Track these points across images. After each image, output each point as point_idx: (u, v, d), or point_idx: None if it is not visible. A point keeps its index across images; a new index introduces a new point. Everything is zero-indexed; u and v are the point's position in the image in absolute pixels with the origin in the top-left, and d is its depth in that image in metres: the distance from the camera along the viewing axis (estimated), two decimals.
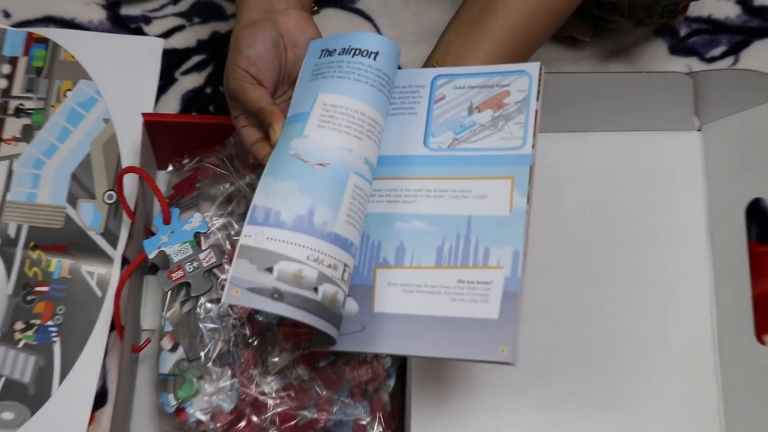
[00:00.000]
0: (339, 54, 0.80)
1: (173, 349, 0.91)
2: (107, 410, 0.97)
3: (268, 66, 0.81)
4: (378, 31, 1.11)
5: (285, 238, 0.74)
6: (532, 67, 0.79)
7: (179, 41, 1.11)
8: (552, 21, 0.86)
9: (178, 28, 1.11)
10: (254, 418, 0.88)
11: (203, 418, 0.89)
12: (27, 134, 1.06)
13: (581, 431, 0.90)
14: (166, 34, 1.11)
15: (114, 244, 1.02)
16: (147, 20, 1.11)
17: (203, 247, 0.92)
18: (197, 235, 0.93)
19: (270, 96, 0.81)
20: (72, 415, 0.96)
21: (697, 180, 0.98)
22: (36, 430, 0.96)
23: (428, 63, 0.86)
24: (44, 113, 1.07)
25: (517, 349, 0.72)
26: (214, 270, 0.92)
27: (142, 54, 1.09)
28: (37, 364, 0.98)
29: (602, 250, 0.96)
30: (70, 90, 1.08)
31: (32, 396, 0.97)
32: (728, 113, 0.96)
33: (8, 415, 0.96)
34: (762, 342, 0.90)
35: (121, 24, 1.11)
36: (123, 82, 1.08)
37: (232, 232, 0.93)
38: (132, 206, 0.98)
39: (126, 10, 1.11)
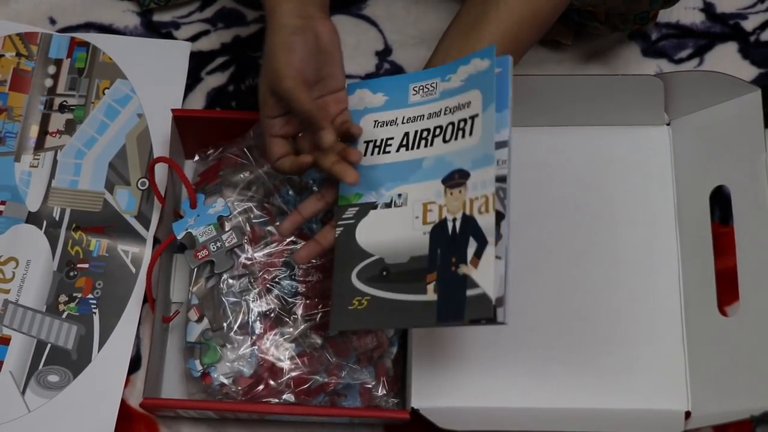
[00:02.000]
0: None
1: (199, 320, 0.90)
2: (141, 374, 0.96)
3: (311, 70, 0.78)
4: (382, 34, 1.08)
5: None
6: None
7: (205, 44, 1.09)
8: (538, 28, 0.83)
9: (204, 33, 1.09)
10: (271, 382, 0.88)
11: (226, 381, 0.88)
12: (70, 128, 1.04)
13: (561, 392, 0.89)
14: (194, 38, 1.09)
15: (146, 226, 1.01)
16: (176, 26, 1.09)
17: (226, 229, 0.91)
18: (220, 218, 0.92)
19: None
20: (110, 378, 0.95)
21: (666, 169, 0.96)
22: (78, 391, 0.95)
23: (428, 67, 0.83)
24: (85, 109, 1.05)
25: (507, 311, 0.70)
26: (235, 249, 0.91)
27: (172, 56, 1.07)
28: (78, 333, 0.97)
29: (583, 231, 0.95)
30: (108, 88, 1.06)
31: (74, 361, 0.96)
32: (694, 110, 0.95)
33: (54, 378, 0.95)
34: (724, 313, 0.89)
35: (153, 29, 1.09)
36: (155, 80, 1.06)
37: (252, 216, 0.92)
38: (162, 192, 0.96)
39: (157, 17, 1.10)
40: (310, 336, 0.89)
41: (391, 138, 0.81)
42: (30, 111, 1.05)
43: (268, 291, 0.89)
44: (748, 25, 1.07)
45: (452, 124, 0.78)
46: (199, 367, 0.89)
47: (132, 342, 0.96)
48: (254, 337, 0.88)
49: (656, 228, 0.94)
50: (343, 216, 0.80)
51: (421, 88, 0.80)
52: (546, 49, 1.06)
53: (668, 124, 0.97)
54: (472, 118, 0.76)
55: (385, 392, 0.89)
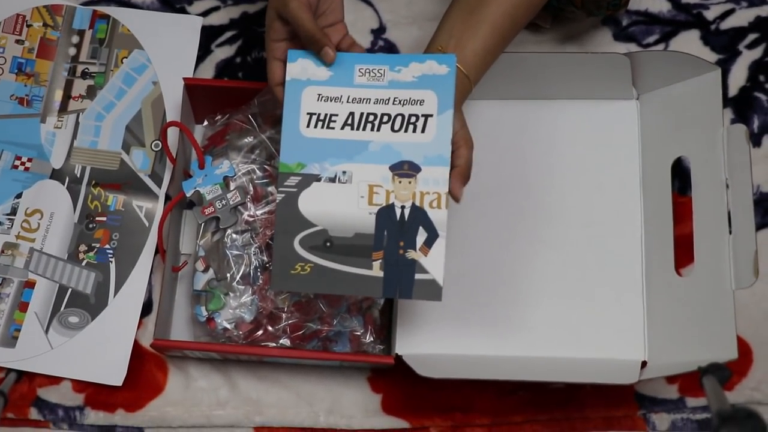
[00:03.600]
0: None
1: (205, 270, 0.89)
2: (152, 318, 0.94)
3: (313, 3, 0.75)
4: (377, 14, 1.05)
5: None
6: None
7: (215, 19, 1.05)
8: (531, 9, 0.81)
9: (215, 9, 1.05)
10: (270, 328, 0.87)
11: (229, 326, 0.87)
12: (91, 93, 1.02)
13: (532, 341, 0.88)
14: (205, 13, 1.05)
15: (159, 184, 0.98)
16: (189, 1, 1.05)
17: (230, 189, 0.89)
18: (226, 178, 0.90)
19: None
20: (124, 321, 0.94)
21: (634, 140, 0.94)
22: (95, 331, 0.93)
23: (432, 46, 0.79)
24: (105, 76, 1.02)
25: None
26: (239, 207, 0.89)
27: (185, 29, 1.04)
28: (96, 279, 0.95)
29: (556, 195, 0.92)
30: (126, 57, 1.03)
31: (93, 304, 0.94)
32: (661, 85, 0.92)
33: (74, 319, 0.93)
34: (680, 275, 0.87)
35: (168, 4, 1.05)
36: (169, 51, 1.03)
37: (254, 177, 0.90)
38: (174, 153, 0.94)
39: None
40: None
41: (336, 114, 0.76)
42: (55, 77, 1.02)
43: (268, 246, 0.88)
44: (710, 14, 1.04)
45: (402, 116, 0.75)
46: (205, 313, 0.88)
47: (144, 289, 0.95)
48: (255, 287, 0.87)
49: (623, 195, 0.92)
50: (285, 183, 0.76)
51: (368, 71, 0.76)
52: (526, 32, 1.03)
53: (637, 99, 0.94)
54: (426, 116, 0.75)
55: (372, 339, 0.88)
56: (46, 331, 0.93)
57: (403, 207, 0.75)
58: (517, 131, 0.93)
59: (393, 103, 0.76)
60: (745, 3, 1.04)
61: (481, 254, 0.90)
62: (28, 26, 1.03)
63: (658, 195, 0.90)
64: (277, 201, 0.77)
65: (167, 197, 0.97)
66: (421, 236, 0.74)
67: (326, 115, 0.76)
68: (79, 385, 0.92)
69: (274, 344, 0.86)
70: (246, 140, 0.91)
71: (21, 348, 0.92)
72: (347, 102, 0.76)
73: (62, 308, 0.93)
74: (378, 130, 0.76)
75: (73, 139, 0.99)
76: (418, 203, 0.74)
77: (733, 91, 1.01)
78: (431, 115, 0.75)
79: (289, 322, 0.86)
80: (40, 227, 0.96)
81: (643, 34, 1.04)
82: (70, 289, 0.94)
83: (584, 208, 0.92)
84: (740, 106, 1.00)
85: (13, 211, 0.97)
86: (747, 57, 1.02)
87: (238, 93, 0.92)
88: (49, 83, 1.02)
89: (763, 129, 0.99)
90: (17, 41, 1.02)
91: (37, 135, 0.99)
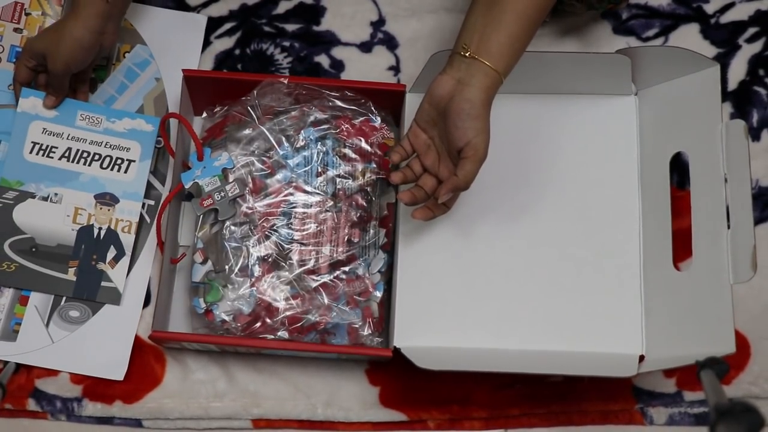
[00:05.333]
0: None
1: (204, 262, 0.89)
2: (150, 310, 0.93)
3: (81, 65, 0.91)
4: (377, 6, 1.04)
5: None
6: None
7: (214, 11, 1.04)
8: (546, 8, 0.78)
9: (214, 0, 1.04)
10: (268, 320, 0.86)
11: (227, 318, 0.87)
12: (92, 87, 1.00)
13: (530, 335, 0.87)
14: (204, 5, 1.04)
15: (162, 181, 0.97)
16: None
17: (229, 181, 0.89)
18: (224, 170, 0.89)
19: None
20: (125, 316, 0.93)
21: (632, 135, 0.93)
22: (97, 325, 0.93)
23: (458, 45, 0.78)
24: (107, 70, 1.01)
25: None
26: (238, 199, 0.89)
27: (189, 27, 1.02)
28: None
29: (555, 190, 0.92)
30: (128, 52, 1.01)
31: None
32: (660, 81, 0.91)
33: (74, 313, 0.93)
34: (678, 268, 0.87)
35: None
36: (172, 48, 1.01)
37: (253, 169, 0.90)
38: (173, 145, 0.93)
39: None
40: (304, 279, 0.87)
41: (56, 147, 0.93)
42: None
43: (267, 237, 0.87)
44: (709, 8, 1.04)
45: (110, 157, 0.93)
46: (203, 305, 0.87)
47: (146, 281, 0.94)
48: (253, 279, 0.87)
49: (621, 189, 0.91)
50: (4, 196, 0.92)
51: (88, 117, 0.94)
52: None
53: (636, 94, 0.93)
54: (130, 161, 0.93)
55: (370, 332, 0.87)
56: (47, 325, 0.92)
57: (100, 228, 0.92)
58: (515, 126, 0.93)
59: (104, 146, 0.93)
60: None
61: (480, 248, 0.89)
62: (27, 14, 1.02)
63: (656, 190, 0.89)
64: None
65: None
66: (111, 253, 0.92)
67: (47, 146, 0.93)
68: (77, 377, 0.92)
69: (272, 336, 0.86)
70: (245, 132, 0.90)
71: (22, 342, 0.91)
72: (67, 139, 0.93)
73: (63, 302, 0.93)
74: (89, 165, 0.93)
75: None
76: (113, 227, 0.92)
77: (732, 85, 1.00)
78: (134, 161, 0.93)
79: (287, 314, 0.86)
80: None
81: (643, 28, 1.03)
82: None
83: (583, 203, 0.91)
84: (740, 100, 1.00)
85: None
86: (747, 51, 1.01)
87: (237, 85, 0.92)
88: None
89: (762, 123, 0.99)
90: (15, 29, 1.01)
91: None
